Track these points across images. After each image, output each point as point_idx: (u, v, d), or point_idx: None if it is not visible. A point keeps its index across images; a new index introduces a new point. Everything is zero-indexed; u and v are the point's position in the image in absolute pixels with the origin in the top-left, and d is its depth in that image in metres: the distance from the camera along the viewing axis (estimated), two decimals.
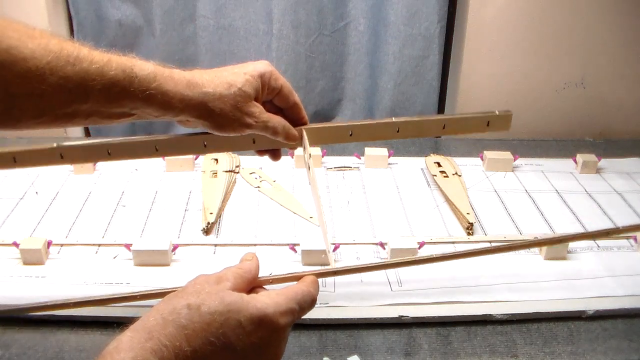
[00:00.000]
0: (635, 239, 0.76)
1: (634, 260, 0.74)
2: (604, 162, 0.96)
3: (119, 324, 0.62)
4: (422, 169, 0.95)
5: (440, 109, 1.22)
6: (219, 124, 0.55)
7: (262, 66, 0.57)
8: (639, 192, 0.90)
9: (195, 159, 0.94)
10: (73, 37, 1.12)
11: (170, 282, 0.67)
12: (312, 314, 0.63)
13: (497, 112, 0.66)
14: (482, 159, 0.96)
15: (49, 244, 0.71)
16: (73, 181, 0.89)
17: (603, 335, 0.63)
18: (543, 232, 0.78)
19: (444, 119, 0.66)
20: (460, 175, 0.91)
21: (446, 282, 0.68)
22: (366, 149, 0.95)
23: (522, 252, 0.75)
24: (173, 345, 0.38)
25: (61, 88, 0.46)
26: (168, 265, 0.70)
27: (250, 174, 0.91)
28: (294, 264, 0.71)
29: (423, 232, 0.78)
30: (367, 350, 0.60)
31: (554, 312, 0.65)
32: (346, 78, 1.20)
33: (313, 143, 0.64)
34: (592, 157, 0.95)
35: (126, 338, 0.38)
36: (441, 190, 0.87)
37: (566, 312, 0.65)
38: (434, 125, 0.66)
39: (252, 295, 0.43)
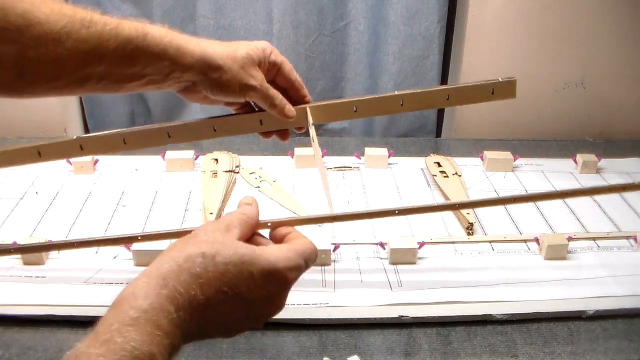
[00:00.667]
0: (635, 239, 0.76)
1: (634, 260, 0.74)
2: (604, 162, 0.96)
3: None
4: (422, 169, 0.95)
5: (440, 109, 1.22)
6: (224, 84, 0.56)
7: (263, 43, 0.60)
8: (639, 192, 0.90)
9: (196, 158, 0.94)
10: None
11: None
12: (312, 314, 0.63)
13: (500, 79, 0.65)
14: (482, 159, 0.96)
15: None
16: (73, 181, 0.88)
17: (603, 335, 0.63)
18: (543, 232, 0.78)
19: (447, 89, 0.65)
20: (460, 175, 0.91)
21: (446, 282, 0.68)
22: (366, 149, 0.95)
23: (522, 252, 0.75)
24: (187, 293, 0.39)
25: (76, 51, 0.47)
26: None
27: (250, 174, 0.91)
28: None
29: (423, 232, 0.78)
30: (367, 350, 0.60)
31: (554, 312, 0.65)
32: (346, 78, 1.20)
33: (318, 120, 0.64)
34: (592, 157, 0.95)
35: (141, 284, 0.39)
36: (441, 190, 0.87)
37: (566, 312, 0.65)
38: (438, 96, 0.65)
39: (263, 248, 0.44)
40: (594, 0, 1.06)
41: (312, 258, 0.46)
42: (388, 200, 0.86)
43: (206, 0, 1.11)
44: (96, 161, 0.93)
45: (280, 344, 0.61)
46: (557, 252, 0.73)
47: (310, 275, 0.69)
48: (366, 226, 0.79)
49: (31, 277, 0.68)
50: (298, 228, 0.51)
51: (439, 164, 0.93)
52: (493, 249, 0.75)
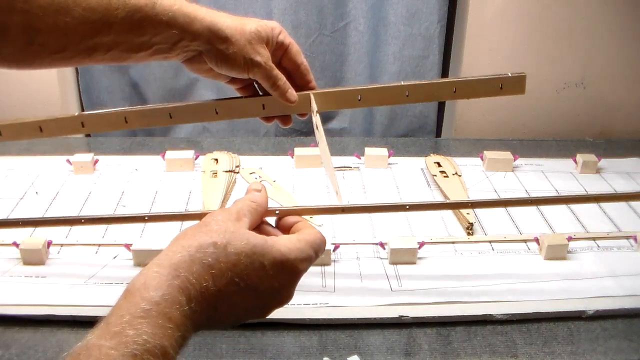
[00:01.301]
0: (635, 239, 0.76)
1: (634, 260, 0.74)
2: (604, 162, 0.96)
3: None
4: (422, 169, 0.95)
5: (440, 108, 1.22)
6: (229, 56, 0.55)
7: (273, 22, 0.59)
8: (639, 192, 0.90)
9: (196, 158, 0.94)
10: None
11: None
12: (312, 314, 0.63)
13: (510, 74, 0.63)
14: (482, 159, 0.96)
15: (49, 244, 0.71)
16: (73, 181, 0.89)
17: (603, 335, 0.63)
18: (543, 232, 0.78)
19: (454, 82, 0.64)
20: (460, 175, 0.91)
21: (446, 282, 0.68)
22: (366, 149, 0.95)
23: (522, 252, 0.75)
24: (199, 284, 0.39)
25: (84, 20, 0.47)
26: None
27: (250, 174, 0.91)
28: None
29: (423, 232, 0.78)
30: (367, 350, 0.60)
31: (554, 312, 0.65)
32: (346, 78, 1.20)
33: (321, 108, 0.63)
34: (592, 157, 0.95)
35: (153, 274, 0.38)
36: (441, 190, 0.87)
37: (566, 312, 0.65)
38: (445, 88, 0.63)
39: (274, 238, 0.44)
40: (594, 0, 1.06)
41: (322, 248, 0.46)
42: (388, 201, 0.85)
43: (206, 1, 1.11)
44: (96, 161, 0.93)
45: (280, 344, 0.61)
46: (557, 252, 0.73)
47: (310, 275, 0.69)
48: (366, 226, 0.79)
49: (31, 277, 0.68)
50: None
51: (439, 164, 0.93)
52: (493, 249, 0.75)
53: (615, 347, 0.61)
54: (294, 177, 0.91)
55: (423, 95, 0.64)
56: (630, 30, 1.09)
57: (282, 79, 0.59)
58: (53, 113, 1.05)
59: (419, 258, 0.72)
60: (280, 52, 0.60)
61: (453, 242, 0.76)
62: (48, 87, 1.12)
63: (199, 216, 0.48)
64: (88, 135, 1.22)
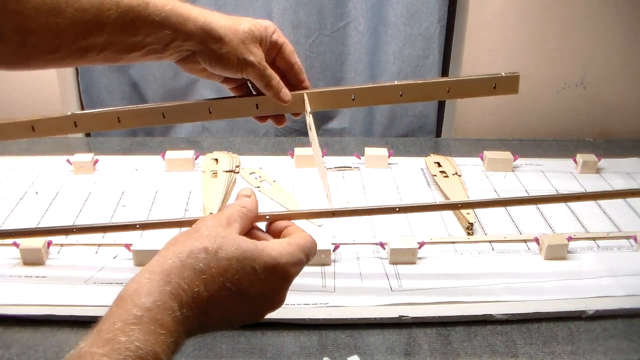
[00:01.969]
0: (635, 239, 0.76)
1: (634, 260, 0.74)
2: (604, 162, 0.96)
3: None
4: (422, 169, 0.95)
5: (440, 108, 1.22)
6: (222, 56, 0.55)
7: (267, 22, 0.59)
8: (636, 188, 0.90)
9: (196, 158, 0.94)
10: None
11: None
12: (312, 314, 0.63)
13: (503, 74, 0.63)
14: (482, 159, 0.96)
15: (49, 244, 0.71)
16: (73, 181, 0.88)
17: (603, 335, 0.63)
18: (543, 232, 0.78)
19: (448, 82, 0.64)
20: (460, 175, 0.91)
21: (446, 282, 0.68)
22: (366, 149, 0.95)
23: (522, 252, 0.75)
24: (191, 289, 0.39)
25: (76, 20, 0.47)
26: None
27: (250, 174, 0.91)
28: None
29: (423, 232, 0.78)
30: (367, 350, 0.60)
31: (554, 312, 0.65)
32: (346, 78, 1.20)
33: (315, 107, 0.63)
34: (592, 157, 0.95)
35: (144, 280, 0.38)
36: (441, 190, 0.87)
37: (566, 312, 0.65)
38: (439, 88, 0.64)
39: (264, 242, 0.44)
40: (594, 0, 1.06)
41: (313, 252, 0.46)
42: (388, 200, 0.85)
43: (206, 1, 1.11)
44: (96, 161, 0.93)
45: (280, 344, 0.61)
46: (557, 252, 0.73)
47: (310, 275, 0.69)
48: (366, 226, 0.79)
49: (31, 277, 0.68)
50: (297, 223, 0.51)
51: (439, 164, 0.93)
52: (493, 249, 0.75)
53: (615, 347, 0.61)
54: (294, 177, 0.91)
55: (417, 94, 0.64)
56: (630, 30, 1.09)
57: (276, 78, 0.59)
58: (53, 113, 1.05)
59: (419, 258, 0.72)
60: (274, 51, 0.60)
61: (453, 242, 0.76)
62: (48, 87, 1.12)
63: (189, 222, 0.48)
64: (88, 135, 1.22)
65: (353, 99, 0.63)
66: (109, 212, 0.81)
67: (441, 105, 1.21)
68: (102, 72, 1.18)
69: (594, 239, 0.78)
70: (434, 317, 0.64)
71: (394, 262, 0.72)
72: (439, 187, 0.88)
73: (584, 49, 1.10)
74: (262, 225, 0.51)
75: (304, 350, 0.60)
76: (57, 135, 0.64)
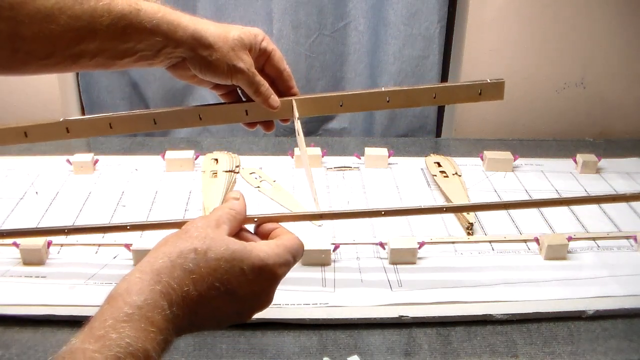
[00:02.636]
0: (635, 239, 0.76)
1: (634, 260, 0.74)
2: (604, 162, 0.96)
3: None
4: (422, 169, 0.95)
5: (440, 109, 1.22)
6: (212, 63, 0.56)
7: (256, 29, 0.60)
8: (639, 192, 0.90)
9: (196, 158, 0.94)
10: None
11: None
12: (312, 314, 0.63)
13: (488, 80, 0.65)
14: (482, 159, 0.96)
15: (49, 244, 0.71)
16: (73, 181, 0.89)
17: (603, 335, 0.63)
18: (543, 232, 0.78)
19: (434, 88, 0.65)
20: (460, 175, 0.91)
21: (446, 282, 0.68)
22: (366, 149, 0.95)
23: (522, 252, 0.75)
24: (181, 289, 0.39)
25: (70, 27, 0.48)
26: None
27: (250, 174, 0.91)
28: None
29: (423, 232, 0.78)
30: (367, 350, 0.60)
31: (554, 312, 0.65)
32: (346, 78, 1.20)
33: (303, 113, 0.64)
34: (592, 157, 0.95)
35: (135, 279, 0.39)
36: (441, 190, 0.87)
37: (566, 312, 0.65)
38: (425, 94, 0.65)
39: (253, 244, 0.45)
40: (594, 0, 1.06)
41: (300, 253, 0.47)
42: (388, 201, 0.86)
43: (206, 0, 1.11)
44: (96, 161, 0.93)
45: (280, 344, 0.61)
46: (557, 252, 0.73)
47: (310, 275, 0.69)
48: (366, 226, 0.79)
49: (31, 277, 0.68)
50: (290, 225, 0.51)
51: (439, 164, 0.93)
52: (493, 249, 0.75)
53: (615, 347, 0.61)
54: (294, 177, 0.91)
55: (403, 101, 0.65)
56: (630, 30, 1.09)
57: (265, 85, 0.60)
58: (53, 113, 1.05)
59: (419, 258, 0.72)
60: (263, 58, 0.61)
61: (453, 242, 0.76)
62: (48, 87, 1.12)
63: (180, 224, 0.48)
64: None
65: (341, 105, 0.64)
66: (109, 212, 0.81)
67: (441, 105, 1.21)
68: (102, 72, 1.18)
69: (594, 239, 0.78)
70: (434, 317, 0.64)
71: (394, 262, 0.72)
72: (439, 187, 0.88)
73: (584, 49, 1.10)
74: (250, 227, 0.52)
75: (304, 350, 0.60)
76: (50, 141, 0.65)
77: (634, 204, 0.86)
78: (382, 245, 0.74)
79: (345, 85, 1.20)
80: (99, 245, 0.74)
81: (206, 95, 1.20)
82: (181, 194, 0.86)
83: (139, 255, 0.69)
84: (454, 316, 0.64)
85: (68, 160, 0.91)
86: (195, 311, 0.40)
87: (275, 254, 0.44)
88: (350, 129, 1.24)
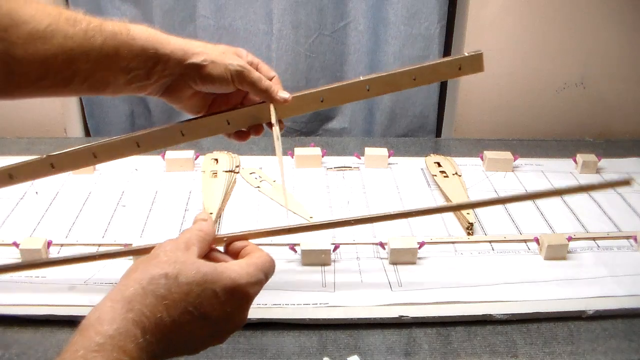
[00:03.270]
0: (635, 239, 0.76)
1: (634, 260, 0.74)
2: (604, 162, 0.96)
3: None
4: (422, 169, 0.95)
5: (440, 109, 1.22)
6: (208, 67, 0.56)
7: (236, 48, 0.61)
8: (639, 192, 0.90)
9: (196, 158, 0.94)
10: None
11: None
12: (312, 314, 0.63)
13: (466, 54, 0.64)
14: (482, 159, 0.96)
15: (49, 244, 0.71)
16: (73, 181, 0.89)
17: (603, 335, 0.63)
18: (543, 232, 0.78)
19: (412, 70, 0.63)
20: (460, 175, 0.91)
21: (446, 282, 0.68)
22: (366, 149, 0.95)
23: (522, 252, 0.75)
24: (154, 315, 0.39)
25: (63, 48, 0.49)
26: None
27: (250, 174, 0.91)
28: (294, 264, 0.71)
29: (423, 232, 0.78)
30: (367, 350, 0.60)
31: (554, 312, 0.65)
32: (346, 78, 1.19)
33: (285, 115, 0.63)
34: (592, 157, 0.95)
35: (107, 308, 0.38)
36: (441, 190, 0.87)
37: (566, 312, 0.65)
38: (404, 77, 0.63)
39: (223, 264, 0.44)
40: (594, 0, 1.06)
41: (271, 271, 0.46)
42: (388, 201, 0.86)
43: (206, 0, 1.11)
44: None
45: (280, 344, 0.61)
46: (557, 252, 0.73)
47: (310, 275, 0.69)
48: (366, 226, 0.79)
49: (31, 277, 0.68)
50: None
51: (439, 164, 0.93)
52: (493, 249, 0.75)
53: (615, 347, 0.61)
54: (294, 177, 0.91)
55: (383, 87, 0.64)
56: (630, 30, 1.09)
57: (266, 79, 0.60)
58: (54, 113, 1.05)
59: (419, 258, 0.72)
60: (253, 67, 0.61)
61: (453, 242, 0.76)
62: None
63: (147, 250, 0.48)
64: (88, 135, 1.22)
65: (322, 101, 0.64)
66: (109, 212, 0.81)
67: (441, 105, 1.21)
68: None
69: (594, 239, 0.78)
70: (434, 317, 0.64)
71: (394, 262, 0.72)
72: (439, 187, 0.88)
73: (584, 49, 1.10)
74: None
75: (304, 350, 0.60)
76: (37, 179, 0.64)
77: (634, 204, 0.86)
78: (382, 245, 0.74)
79: None
80: (99, 245, 0.74)
81: None
82: (181, 194, 0.86)
83: (139, 254, 0.69)
84: (454, 316, 0.64)
85: None
86: (170, 338, 0.40)
87: (246, 274, 0.44)
88: (350, 129, 1.24)
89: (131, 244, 0.70)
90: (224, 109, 0.63)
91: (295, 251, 0.72)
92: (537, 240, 0.75)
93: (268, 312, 0.63)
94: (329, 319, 0.63)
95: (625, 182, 0.62)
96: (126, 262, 0.70)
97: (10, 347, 0.59)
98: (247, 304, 0.44)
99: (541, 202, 0.86)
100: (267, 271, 0.46)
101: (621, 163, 0.99)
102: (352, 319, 0.63)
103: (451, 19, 1.14)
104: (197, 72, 0.56)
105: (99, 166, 0.92)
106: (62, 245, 0.73)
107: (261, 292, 0.64)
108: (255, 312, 0.63)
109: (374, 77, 0.63)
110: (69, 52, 0.49)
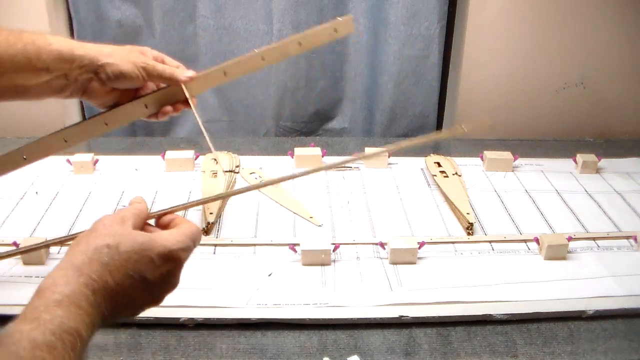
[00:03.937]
0: (635, 239, 0.76)
1: (634, 260, 0.74)
2: (604, 162, 0.96)
3: (117, 324, 0.62)
4: (422, 169, 0.95)
5: (440, 109, 1.22)
6: (118, 66, 0.63)
7: (141, 47, 0.68)
8: (639, 192, 0.90)
9: (196, 158, 0.94)
10: (73, 37, 1.12)
11: None
12: (312, 314, 0.63)
13: (339, 19, 0.73)
14: (482, 159, 0.96)
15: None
16: (73, 181, 0.88)
17: (603, 335, 0.63)
18: (543, 232, 0.78)
19: (297, 38, 0.72)
20: (460, 175, 0.91)
21: (446, 282, 0.68)
22: (366, 149, 0.95)
23: (522, 252, 0.75)
24: (101, 279, 0.44)
25: None
26: None
27: (250, 174, 0.91)
28: (294, 264, 0.71)
29: (423, 232, 0.78)
30: (367, 350, 0.60)
31: (554, 312, 0.65)
32: (346, 78, 1.20)
33: (196, 92, 0.70)
34: (592, 157, 0.95)
35: (59, 274, 0.43)
36: (441, 190, 0.87)
37: (566, 312, 0.65)
38: (291, 45, 0.72)
39: (156, 234, 0.49)
40: (593, 0, 1.06)
41: (198, 238, 0.51)
42: (388, 200, 0.86)
43: (206, 0, 1.11)
44: (96, 161, 0.93)
45: (280, 344, 0.61)
46: (557, 252, 0.73)
47: (310, 275, 0.69)
48: (366, 226, 0.79)
49: (31, 277, 0.68)
50: None
51: (439, 164, 0.93)
52: (493, 249, 0.75)
53: (615, 347, 0.61)
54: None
55: (276, 56, 0.72)
56: (630, 30, 1.09)
57: (166, 67, 0.67)
58: (54, 113, 1.05)
59: (419, 258, 0.72)
60: (159, 61, 0.68)
61: (453, 242, 0.76)
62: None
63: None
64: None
65: (225, 74, 0.71)
66: (109, 212, 0.80)
67: (441, 105, 1.21)
68: None
69: (594, 239, 0.78)
70: (434, 317, 0.64)
71: (394, 262, 0.72)
72: (439, 187, 0.88)
73: (584, 49, 1.10)
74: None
75: (304, 350, 0.60)
76: (10, 172, 0.67)
77: (634, 204, 0.86)
78: (382, 245, 0.74)
79: (345, 85, 1.20)
80: None
81: (207, 95, 1.20)
82: (181, 194, 0.86)
83: None
84: (454, 316, 0.64)
85: (68, 160, 0.91)
86: (115, 299, 0.44)
87: (177, 241, 0.49)
88: (350, 129, 1.24)
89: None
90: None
91: (295, 251, 0.72)
92: (537, 240, 0.75)
93: (268, 312, 0.63)
94: (329, 319, 0.63)
95: None
96: None
97: None
98: (178, 267, 0.49)
99: (541, 202, 0.86)
100: (194, 238, 0.50)
101: (621, 163, 0.99)
102: (352, 319, 0.63)
103: (451, 19, 1.14)
104: (109, 71, 0.63)
105: (99, 166, 0.92)
106: (62, 245, 0.73)
107: (261, 291, 0.65)
108: (255, 312, 0.63)
109: (266, 48, 0.72)
110: None
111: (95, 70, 0.62)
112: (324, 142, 1.04)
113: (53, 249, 0.72)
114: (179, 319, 0.62)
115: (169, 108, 0.70)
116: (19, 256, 0.70)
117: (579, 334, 0.63)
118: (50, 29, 1.05)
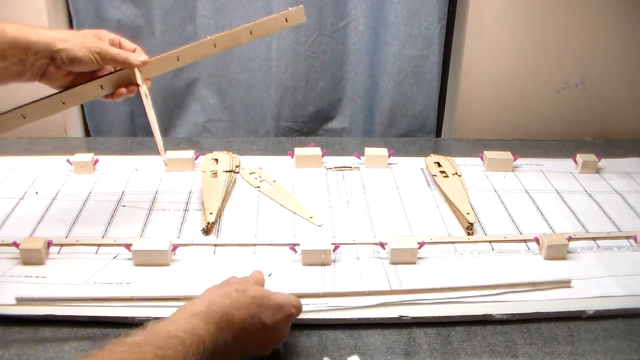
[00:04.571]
0: (635, 239, 0.76)
1: (634, 260, 0.74)
2: (604, 162, 0.96)
3: (118, 324, 0.62)
4: (422, 169, 0.95)
5: (440, 109, 1.22)
6: (73, 50, 0.65)
7: (98, 31, 0.71)
8: (639, 192, 0.90)
9: (196, 158, 0.94)
10: None
11: (170, 282, 0.67)
12: (312, 314, 0.63)
13: (290, 9, 0.75)
14: (482, 159, 0.96)
15: (49, 244, 0.71)
16: (73, 181, 0.89)
17: (603, 335, 0.63)
18: (543, 232, 0.78)
19: (249, 26, 0.75)
20: (460, 175, 0.91)
21: (446, 282, 0.68)
22: (366, 149, 0.95)
23: (522, 252, 0.75)
24: (229, 312, 0.52)
25: None
26: (168, 265, 0.70)
27: (250, 174, 0.91)
28: (294, 264, 0.71)
29: (423, 232, 0.78)
30: (367, 350, 0.60)
31: (554, 312, 0.65)
32: (346, 78, 1.20)
33: (150, 74, 0.73)
34: (592, 157, 0.95)
35: (198, 301, 0.53)
36: (441, 190, 0.87)
37: (566, 312, 0.65)
38: (243, 33, 0.75)
39: (273, 292, 0.58)
40: (593, 0, 1.06)
41: (300, 308, 0.59)
42: (388, 200, 0.86)
43: (206, 0, 1.11)
44: (96, 161, 0.93)
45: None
46: (557, 252, 0.73)
47: (310, 275, 0.69)
48: (366, 226, 0.79)
49: (31, 277, 0.68)
50: None
51: (439, 164, 0.93)
52: (493, 249, 0.75)
53: (615, 347, 0.61)
54: (294, 177, 0.91)
55: (227, 42, 0.75)
56: (630, 30, 1.09)
57: (121, 51, 0.70)
58: (54, 117, 1.05)
59: (419, 258, 0.72)
60: (116, 45, 0.71)
61: (453, 242, 0.76)
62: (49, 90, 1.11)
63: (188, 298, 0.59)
64: (88, 135, 1.22)
65: (178, 59, 0.74)
66: (109, 212, 0.81)
67: (441, 105, 1.21)
68: None
69: (594, 239, 0.78)
70: (434, 317, 0.64)
71: (394, 262, 0.72)
72: (439, 187, 0.88)
73: (583, 49, 1.10)
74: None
75: (304, 350, 0.60)
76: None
77: (634, 204, 0.86)
78: (382, 245, 0.74)
79: (345, 85, 1.20)
80: (99, 245, 0.74)
81: (207, 95, 1.20)
82: (181, 194, 0.86)
83: (139, 255, 0.69)
84: (454, 316, 0.64)
85: (68, 160, 0.91)
86: (237, 334, 0.52)
87: (289, 297, 0.58)
88: (350, 129, 1.24)
89: (131, 244, 0.70)
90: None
91: (295, 251, 0.72)
92: (537, 240, 0.75)
93: None
94: (329, 319, 0.63)
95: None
96: (126, 263, 0.70)
97: (10, 347, 0.59)
98: (288, 319, 0.57)
99: (541, 202, 0.86)
100: (298, 305, 0.59)
101: (621, 163, 0.99)
102: (352, 319, 0.63)
103: (451, 19, 1.14)
104: (64, 56, 0.65)
105: (99, 166, 0.92)
106: (62, 245, 0.73)
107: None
108: None
109: (218, 35, 0.74)
110: None
111: (51, 56, 0.65)
112: (324, 142, 1.04)
113: (53, 249, 0.72)
114: None
115: (123, 90, 0.72)
116: (19, 256, 0.70)
117: (579, 334, 0.63)
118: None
